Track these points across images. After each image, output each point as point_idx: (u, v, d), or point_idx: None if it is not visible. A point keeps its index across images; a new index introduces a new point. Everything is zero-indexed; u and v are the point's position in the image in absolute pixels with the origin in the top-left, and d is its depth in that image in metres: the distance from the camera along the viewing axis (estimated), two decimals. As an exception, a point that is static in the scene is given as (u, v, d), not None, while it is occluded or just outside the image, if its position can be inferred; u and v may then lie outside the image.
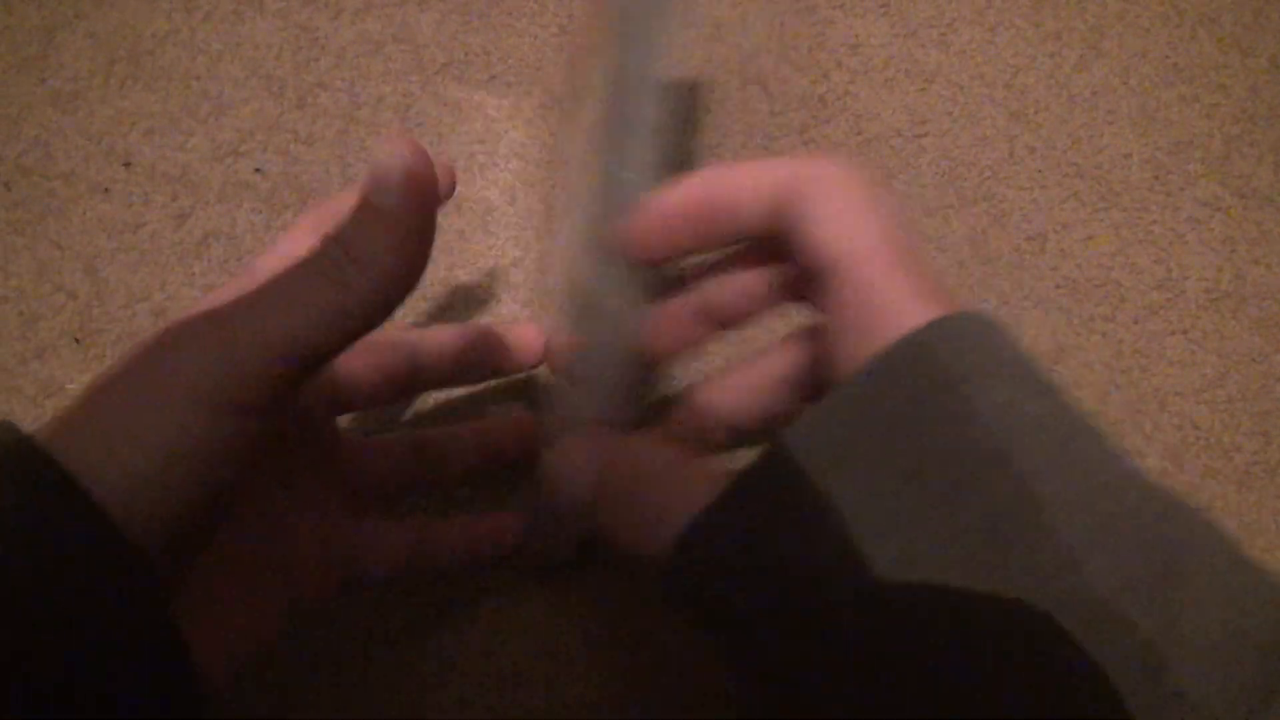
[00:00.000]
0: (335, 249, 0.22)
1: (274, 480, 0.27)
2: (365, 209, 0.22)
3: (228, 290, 0.24)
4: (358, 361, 0.28)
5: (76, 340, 0.39)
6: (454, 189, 0.27)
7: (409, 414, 0.37)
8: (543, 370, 0.34)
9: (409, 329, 0.31)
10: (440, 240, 0.27)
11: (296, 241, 0.25)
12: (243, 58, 0.42)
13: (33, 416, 0.37)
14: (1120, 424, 0.38)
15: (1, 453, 0.20)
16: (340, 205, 0.23)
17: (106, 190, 0.40)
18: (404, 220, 0.22)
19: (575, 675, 0.37)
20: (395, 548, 0.29)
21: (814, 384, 0.26)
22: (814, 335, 0.26)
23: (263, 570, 0.27)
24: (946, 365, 0.22)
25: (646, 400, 0.37)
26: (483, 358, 0.31)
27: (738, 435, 0.28)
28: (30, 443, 0.20)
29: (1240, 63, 0.40)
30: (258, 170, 0.41)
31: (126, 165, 0.40)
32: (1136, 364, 0.39)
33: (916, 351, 0.22)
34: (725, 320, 0.28)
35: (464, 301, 0.39)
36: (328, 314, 0.21)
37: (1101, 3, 0.40)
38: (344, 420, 0.33)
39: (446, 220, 0.39)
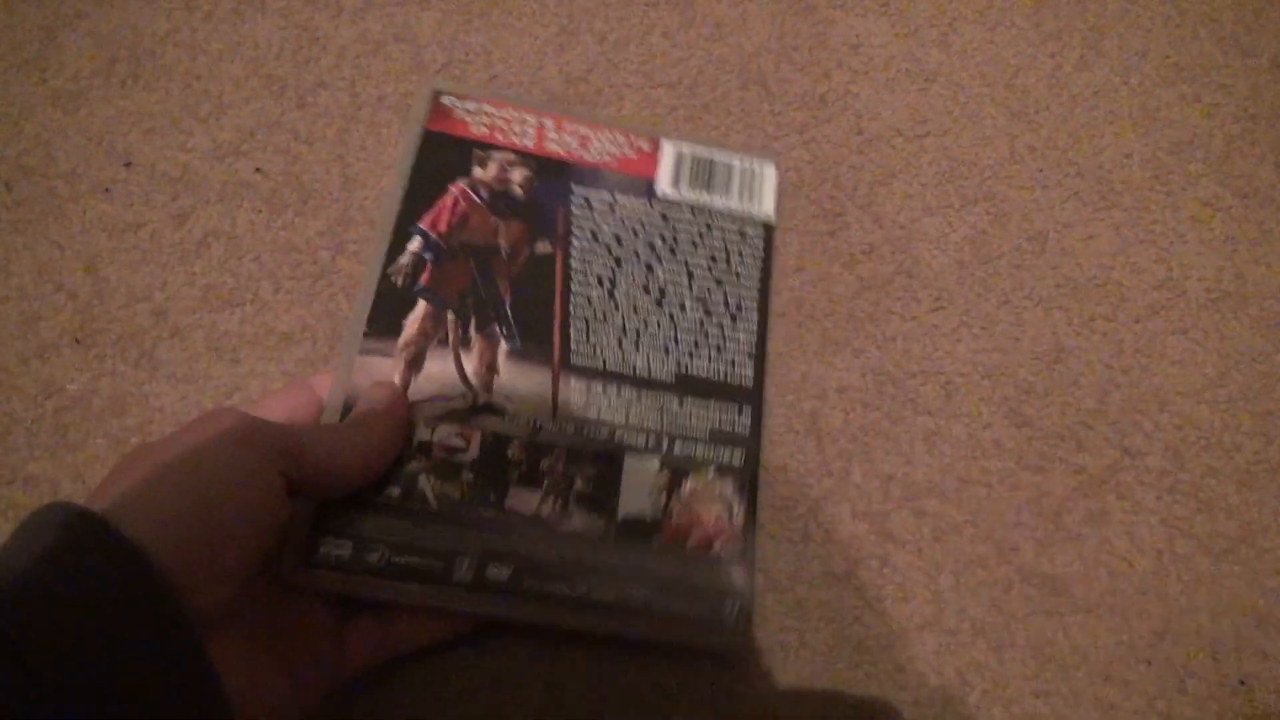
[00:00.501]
0: (345, 424, 0.32)
1: (276, 583, 0.31)
2: (366, 410, 0.33)
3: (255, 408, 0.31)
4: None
5: (77, 340, 0.39)
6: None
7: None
8: None
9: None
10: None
11: (293, 396, 0.33)
12: (243, 57, 0.42)
13: (33, 416, 0.37)
14: (1121, 423, 0.38)
15: (75, 532, 0.23)
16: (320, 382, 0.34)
17: (107, 190, 0.40)
18: (389, 423, 0.33)
19: (575, 673, 0.37)
20: (374, 641, 0.33)
21: None
22: None
23: (270, 652, 0.29)
24: None
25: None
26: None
27: None
28: (95, 518, 0.23)
29: (1241, 63, 0.40)
30: (258, 170, 0.41)
31: (127, 165, 0.40)
32: (1137, 363, 0.39)
33: None
34: None
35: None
36: (333, 449, 0.30)
37: (1102, 3, 0.40)
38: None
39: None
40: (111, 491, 0.25)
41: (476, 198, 0.39)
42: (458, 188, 0.38)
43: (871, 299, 0.39)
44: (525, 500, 0.34)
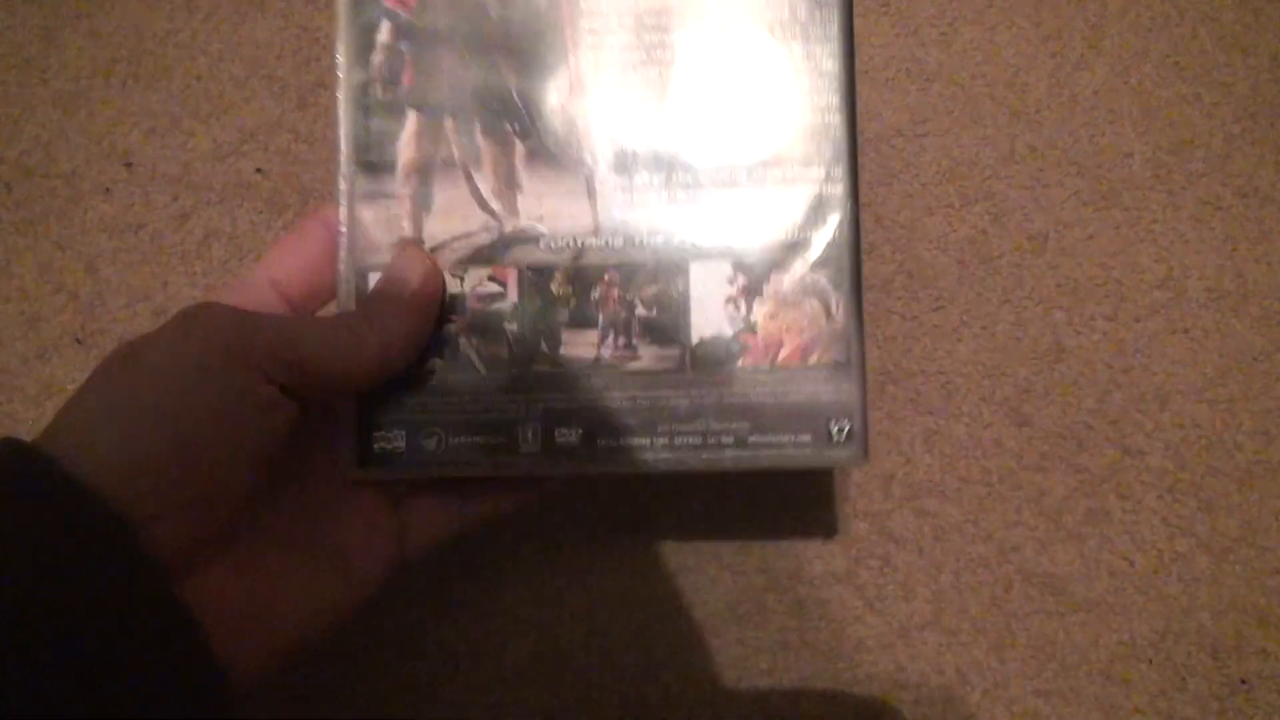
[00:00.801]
0: (358, 312, 0.28)
1: (316, 474, 0.29)
2: (386, 292, 0.28)
3: (223, 297, 0.27)
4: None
5: (78, 340, 0.39)
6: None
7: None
8: None
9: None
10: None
11: (286, 253, 0.29)
12: (244, 58, 0.42)
13: (34, 416, 0.37)
14: (1121, 423, 0.38)
15: (10, 469, 0.21)
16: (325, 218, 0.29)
17: (108, 190, 0.40)
18: (413, 308, 0.28)
19: (575, 673, 0.37)
20: (435, 522, 0.30)
21: None
22: None
23: (315, 555, 0.27)
24: None
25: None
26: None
27: None
28: (21, 445, 0.21)
29: (1241, 62, 0.40)
30: (259, 170, 0.41)
31: (128, 165, 0.40)
32: (1138, 362, 0.39)
33: None
34: None
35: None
36: (339, 350, 0.26)
37: (1102, 2, 0.40)
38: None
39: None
40: (70, 417, 0.23)
41: None
42: None
43: (872, 299, 0.39)
44: (582, 343, 0.29)
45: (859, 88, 0.40)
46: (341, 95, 0.29)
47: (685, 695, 0.37)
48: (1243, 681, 0.37)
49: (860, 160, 0.37)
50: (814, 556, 0.38)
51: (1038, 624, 0.37)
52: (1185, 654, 0.37)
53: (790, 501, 0.38)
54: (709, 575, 0.37)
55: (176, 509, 0.22)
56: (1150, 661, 0.37)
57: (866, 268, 0.39)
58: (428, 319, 0.29)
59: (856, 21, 0.40)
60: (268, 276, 0.28)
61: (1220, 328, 0.39)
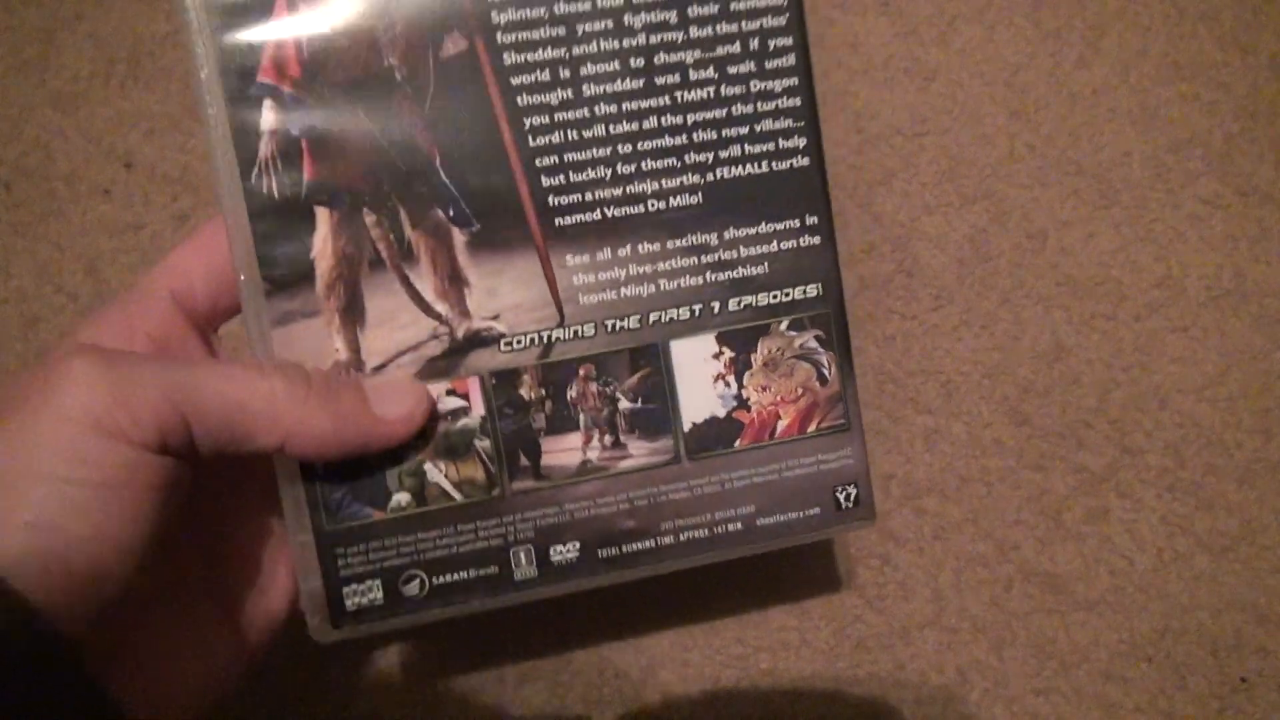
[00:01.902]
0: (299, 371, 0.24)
1: (212, 520, 0.26)
2: (356, 388, 0.24)
3: (116, 311, 0.25)
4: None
5: (78, 341, 0.39)
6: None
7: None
8: None
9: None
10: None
11: (187, 259, 0.26)
12: (243, 58, 0.42)
13: (34, 417, 0.37)
14: (1121, 422, 0.38)
15: None
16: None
17: (107, 191, 0.40)
18: (385, 430, 0.24)
19: (575, 672, 0.37)
20: None
21: None
22: None
23: (210, 612, 0.26)
24: None
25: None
26: None
27: None
28: None
29: (1240, 61, 0.40)
30: (258, 171, 0.41)
31: (127, 166, 0.40)
32: (1137, 361, 0.39)
33: None
34: None
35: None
36: (245, 396, 0.22)
37: (1101, 1, 0.40)
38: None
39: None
40: None
41: None
42: None
43: (871, 298, 0.39)
44: (564, 449, 0.26)
45: (858, 88, 0.40)
46: (225, 202, 0.24)
47: (685, 695, 0.37)
48: (1242, 680, 0.37)
49: (860, 160, 0.37)
50: (814, 556, 0.38)
51: (1037, 623, 0.37)
52: (1185, 652, 0.37)
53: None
54: (709, 575, 0.37)
55: (61, 591, 0.20)
56: (1150, 660, 0.37)
57: (866, 267, 0.39)
58: (415, 424, 0.25)
59: (855, 21, 0.40)
60: (167, 286, 0.25)
61: (1219, 326, 0.39)
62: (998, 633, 0.37)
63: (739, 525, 0.27)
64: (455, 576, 0.26)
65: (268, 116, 0.24)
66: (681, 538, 0.27)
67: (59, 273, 0.39)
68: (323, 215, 0.25)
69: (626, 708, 0.37)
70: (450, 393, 0.26)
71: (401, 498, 0.26)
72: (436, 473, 0.26)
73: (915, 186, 0.39)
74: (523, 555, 0.26)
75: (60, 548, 0.20)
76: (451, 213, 0.25)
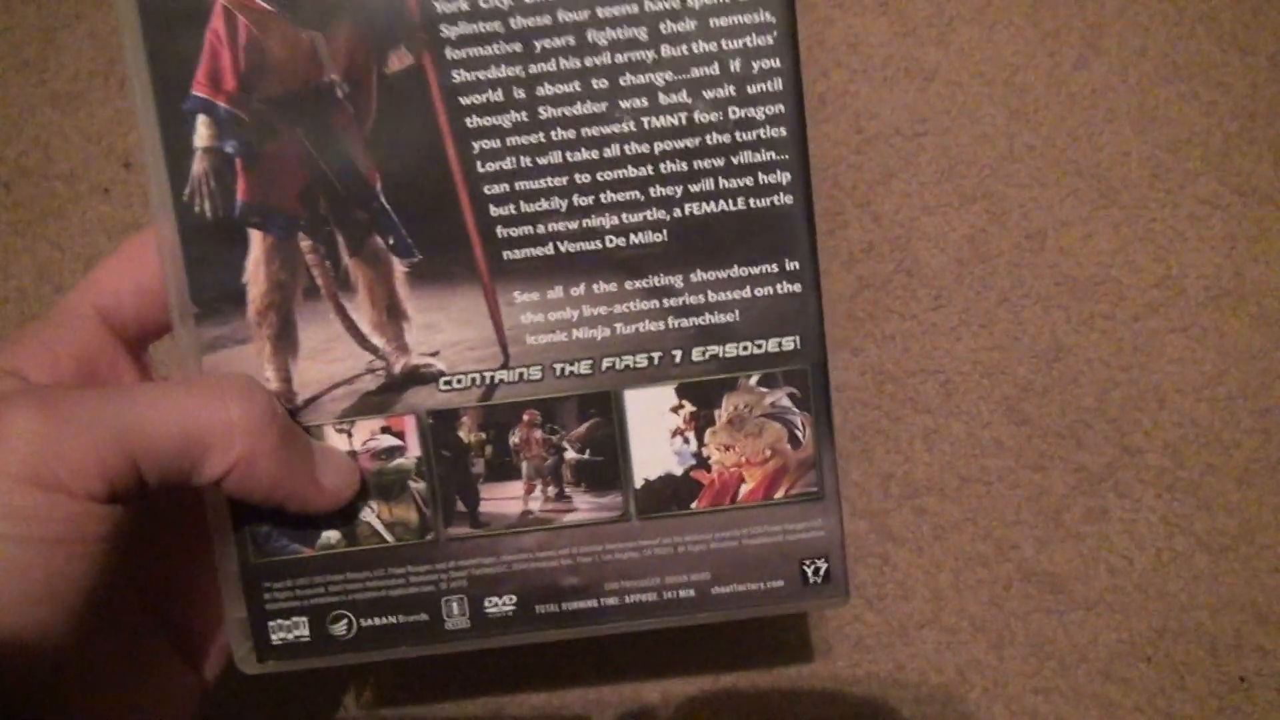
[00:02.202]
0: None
1: (160, 554, 0.26)
2: (306, 440, 0.23)
3: (37, 333, 0.23)
4: None
5: (77, 341, 0.39)
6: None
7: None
8: None
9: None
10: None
11: (114, 275, 0.25)
12: (242, 58, 0.42)
13: (34, 417, 0.37)
14: (1120, 421, 0.38)
15: None
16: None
17: (106, 191, 0.40)
18: (318, 497, 0.23)
19: (575, 672, 0.37)
20: None
21: None
22: None
23: (163, 646, 0.25)
24: None
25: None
26: None
27: None
28: None
29: (1240, 60, 0.40)
30: (258, 170, 0.41)
31: (126, 166, 0.40)
32: (1136, 361, 0.39)
33: None
34: None
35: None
36: (198, 425, 0.21)
37: (1101, 1, 0.40)
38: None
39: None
40: None
41: (261, 0, 0.23)
42: None
43: (871, 298, 0.39)
44: (504, 497, 0.25)
45: (857, 87, 0.40)
46: (158, 219, 0.23)
47: (685, 695, 0.37)
48: (1241, 679, 0.37)
49: (859, 159, 0.37)
50: (813, 555, 0.38)
51: (1037, 622, 0.37)
52: (1184, 652, 0.37)
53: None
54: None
55: (4, 655, 0.19)
56: (1149, 659, 0.37)
57: (865, 267, 0.39)
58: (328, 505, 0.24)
59: (855, 20, 0.40)
60: (93, 303, 0.24)
61: (1219, 326, 0.39)
62: (997, 632, 0.37)
63: (691, 592, 0.25)
64: (384, 620, 0.25)
65: (201, 132, 0.23)
66: (627, 600, 0.25)
67: (59, 272, 0.39)
68: (256, 238, 0.23)
69: (626, 708, 0.37)
70: (385, 430, 0.24)
71: (331, 535, 0.25)
72: (369, 512, 0.25)
73: (914, 186, 0.39)
74: (455, 605, 0.25)
75: None
76: (392, 241, 0.24)
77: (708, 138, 0.24)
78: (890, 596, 0.37)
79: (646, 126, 0.23)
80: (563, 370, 0.24)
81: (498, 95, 0.23)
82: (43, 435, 0.19)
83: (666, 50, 0.23)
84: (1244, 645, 0.37)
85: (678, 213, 0.24)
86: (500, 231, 0.24)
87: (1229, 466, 0.38)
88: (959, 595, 0.37)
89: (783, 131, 0.24)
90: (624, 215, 0.24)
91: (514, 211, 0.24)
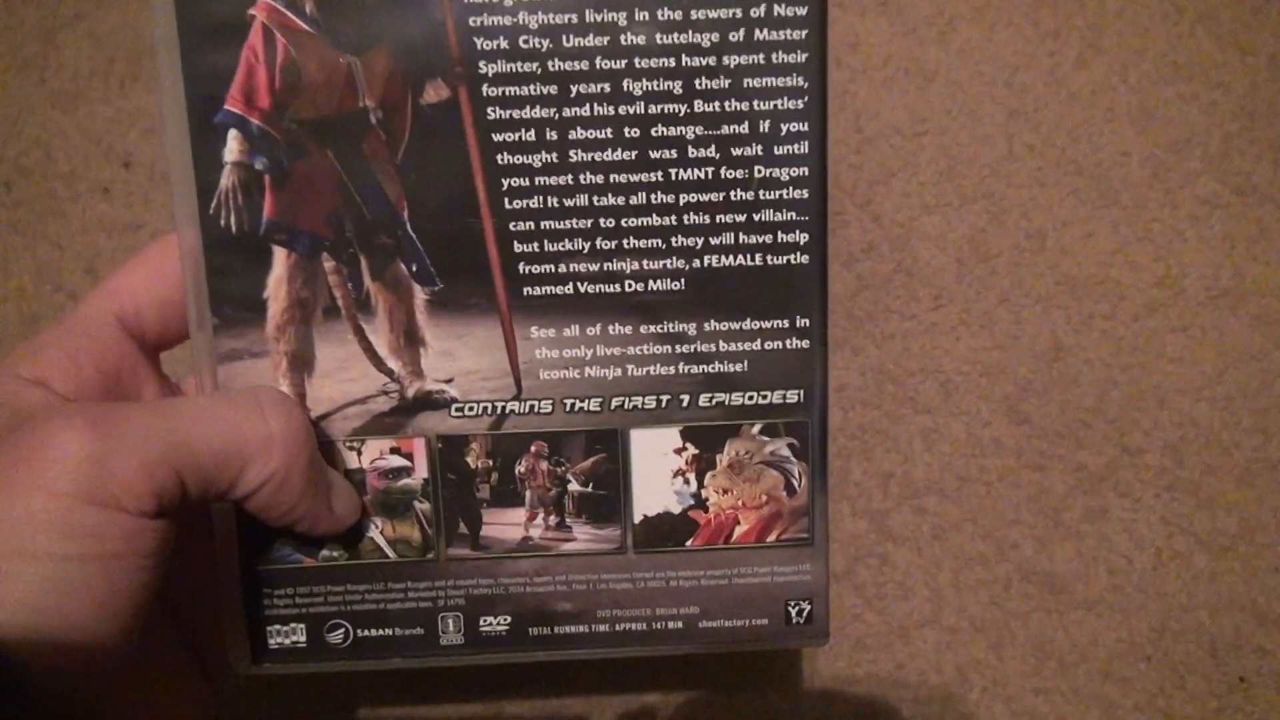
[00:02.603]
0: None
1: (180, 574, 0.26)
2: (325, 475, 0.23)
3: (58, 340, 0.23)
4: None
5: (77, 340, 0.39)
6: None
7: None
8: None
9: None
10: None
11: (133, 281, 0.25)
12: (242, 57, 0.42)
13: (33, 416, 0.37)
14: (1120, 421, 0.38)
15: None
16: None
17: (106, 190, 0.40)
18: (329, 520, 0.24)
19: (574, 672, 0.37)
20: None
21: None
22: None
23: (183, 658, 0.26)
24: None
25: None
26: None
27: None
28: None
29: (1239, 60, 0.40)
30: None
31: (126, 165, 0.40)
32: (1136, 361, 0.39)
33: None
34: None
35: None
36: (236, 442, 0.21)
37: (1100, 1, 0.40)
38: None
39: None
40: None
41: (299, 19, 0.23)
42: (263, 7, 0.23)
43: (870, 297, 0.39)
44: (506, 522, 0.26)
45: (857, 87, 0.40)
46: (181, 230, 0.23)
47: (685, 696, 0.37)
48: (1241, 679, 0.37)
49: (859, 159, 0.37)
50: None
51: (1036, 622, 0.37)
52: (1183, 652, 0.37)
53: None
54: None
55: (61, 675, 0.19)
56: (1149, 659, 0.37)
57: (865, 267, 0.39)
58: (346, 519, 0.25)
59: (855, 20, 0.40)
60: (112, 311, 0.24)
61: (1218, 326, 0.39)
62: (997, 632, 0.37)
63: (680, 624, 0.26)
64: (381, 632, 0.26)
65: (232, 146, 0.23)
66: (618, 627, 0.26)
67: (59, 272, 0.39)
68: (280, 256, 0.24)
69: (626, 708, 0.37)
70: (395, 450, 0.25)
71: (335, 547, 0.25)
72: (373, 528, 0.25)
73: (914, 186, 0.39)
74: (451, 621, 0.26)
75: (58, 629, 0.19)
76: (415, 268, 0.24)
77: (732, 194, 0.24)
78: (890, 596, 0.37)
79: (674, 178, 0.24)
80: (573, 406, 0.25)
81: (530, 135, 0.24)
82: (96, 453, 0.19)
83: (699, 105, 0.24)
84: (1243, 645, 0.37)
85: (697, 263, 0.24)
86: (522, 268, 0.24)
87: (1229, 466, 0.38)
88: (959, 595, 0.37)
89: (805, 194, 0.24)
90: (645, 262, 0.24)
91: (537, 249, 0.24)
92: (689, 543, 0.26)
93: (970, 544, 0.38)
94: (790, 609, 0.26)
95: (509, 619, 0.26)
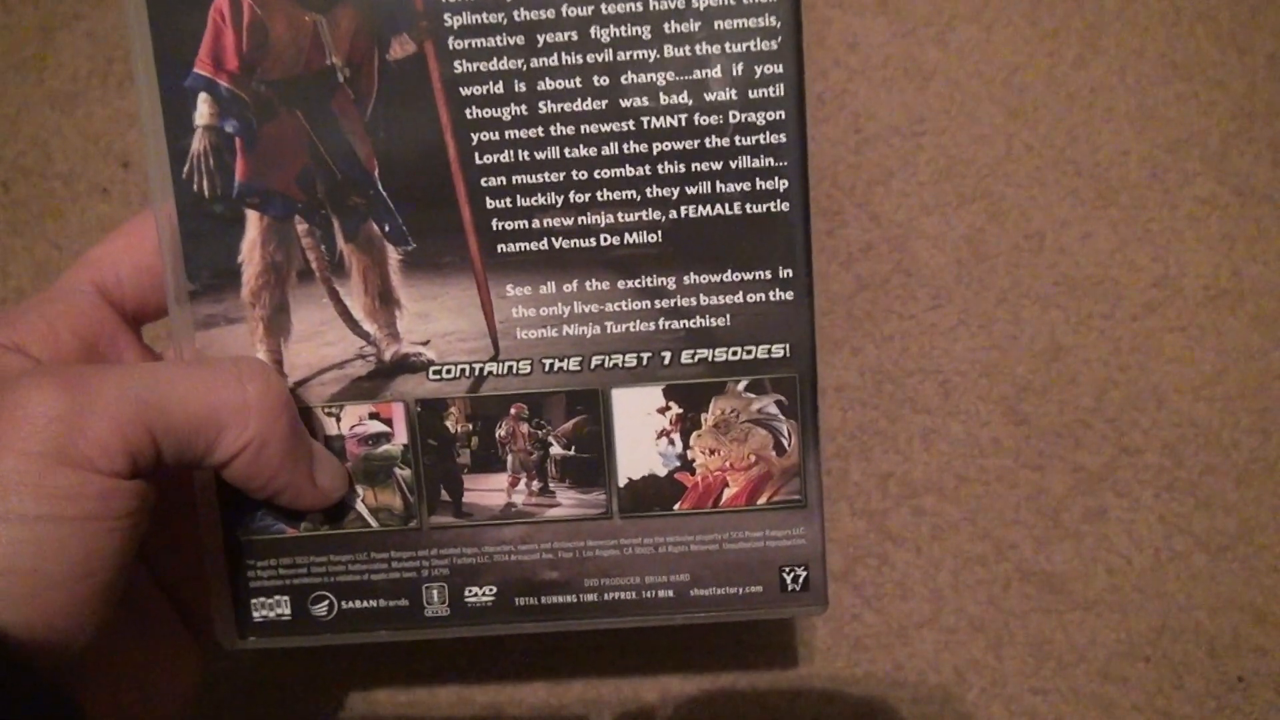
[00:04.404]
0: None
1: (172, 539, 0.26)
2: (306, 447, 0.23)
3: (35, 309, 0.23)
4: None
5: (76, 340, 0.39)
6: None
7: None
8: None
9: None
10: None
11: (113, 253, 0.25)
12: (241, 58, 0.42)
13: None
14: (1118, 421, 0.38)
15: None
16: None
17: (105, 190, 0.40)
18: (311, 493, 0.24)
19: (575, 672, 0.37)
20: None
21: None
22: None
23: (174, 623, 0.26)
24: None
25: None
26: None
27: None
28: None
29: (1238, 60, 0.40)
30: (256, 170, 0.41)
31: (125, 165, 0.40)
32: (1135, 361, 0.39)
33: None
34: None
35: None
36: (211, 405, 0.21)
37: (1099, 1, 0.40)
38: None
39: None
40: None
41: None
42: None
43: (869, 297, 0.39)
44: (488, 489, 0.25)
45: (856, 87, 0.40)
46: (157, 195, 0.23)
47: (683, 694, 0.37)
48: (1239, 679, 0.37)
49: (858, 159, 0.37)
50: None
51: (1035, 622, 0.37)
52: (1182, 652, 0.37)
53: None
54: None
55: (40, 639, 0.19)
56: (1147, 659, 0.37)
57: (863, 267, 0.39)
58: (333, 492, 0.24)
59: (854, 20, 0.40)
60: (92, 280, 0.24)
61: (1217, 326, 0.39)
62: (995, 632, 0.37)
63: (670, 592, 0.25)
64: (365, 604, 0.25)
65: (202, 110, 0.23)
66: (606, 597, 0.25)
67: (57, 272, 0.39)
68: (253, 219, 0.24)
69: (625, 707, 0.37)
70: (374, 416, 0.25)
71: (317, 517, 0.25)
72: (354, 496, 0.25)
73: (913, 186, 0.39)
74: (435, 592, 0.25)
75: (37, 592, 0.19)
76: (387, 228, 0.24)
77: (707, 140, 0.24)
78: (889, 596, 0.37)
79: (646, 126, 0.23)
80: (552, 366, 0.24)
81: (498, 88, 0.23)
82: (68, 413, 0.19)
83: (669, 50, 0.23)
84: (1242, 645, 0.37)
85: (674, 214, 0.24)
86: (495, 224, 0.24)
87: (1227, 466, 0.38)
88: (957, 595, 0.37)
89: (783, 138, 0.24)
90: (620, 214, 0.24)
91: (510, 205, 0.24)
92: (676, 507, 0.25)
93: (969, 544, 0.38)
94: (785, 575, 0.25)
95: (494, 589, 0.25)
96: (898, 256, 0.39)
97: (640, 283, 0.24)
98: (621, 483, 0.25)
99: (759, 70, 0.23)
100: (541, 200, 0.24)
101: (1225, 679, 0.37)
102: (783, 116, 0.23)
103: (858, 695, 0.37)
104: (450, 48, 0.23)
